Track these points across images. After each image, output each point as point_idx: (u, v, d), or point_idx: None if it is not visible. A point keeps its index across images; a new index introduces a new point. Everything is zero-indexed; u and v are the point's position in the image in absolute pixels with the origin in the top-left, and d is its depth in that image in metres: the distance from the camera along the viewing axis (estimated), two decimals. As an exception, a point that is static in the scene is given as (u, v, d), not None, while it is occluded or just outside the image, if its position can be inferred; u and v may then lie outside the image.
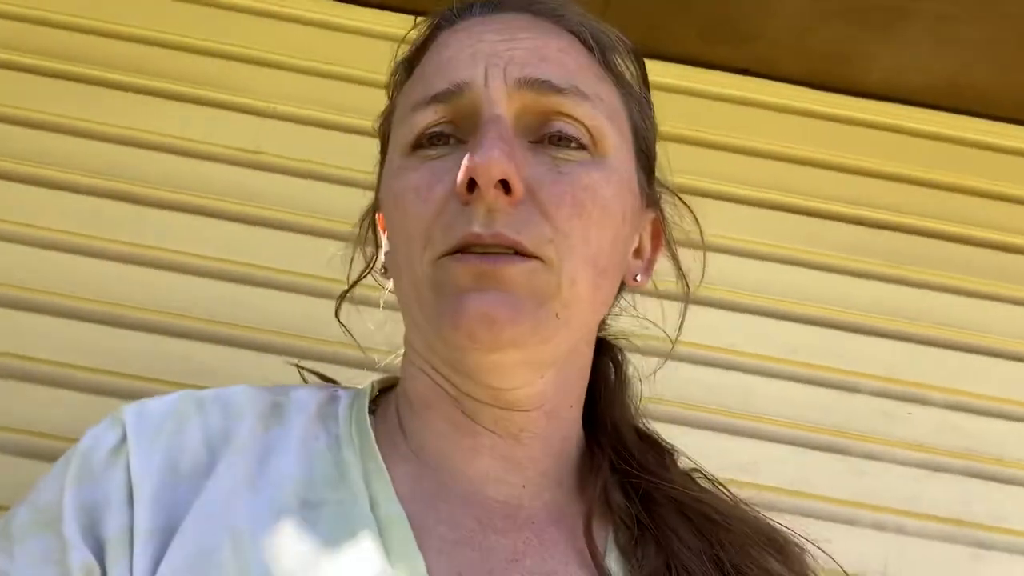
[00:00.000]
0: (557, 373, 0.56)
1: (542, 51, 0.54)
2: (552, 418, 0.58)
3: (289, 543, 0.48)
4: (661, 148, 1.26)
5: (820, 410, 1.17)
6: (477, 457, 0.56)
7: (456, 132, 0.53)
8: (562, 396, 0.58)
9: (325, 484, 0.52)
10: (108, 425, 0.54)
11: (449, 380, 0.56)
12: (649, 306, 1.18)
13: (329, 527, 0.50)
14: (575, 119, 0.54)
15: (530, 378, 0.54)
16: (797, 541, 0.64)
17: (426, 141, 0.54)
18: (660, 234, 0.69)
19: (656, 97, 1.28)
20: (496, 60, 0.52)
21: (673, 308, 1.20)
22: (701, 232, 0.74)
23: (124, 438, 0.52)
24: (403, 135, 0.56)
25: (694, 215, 0.73)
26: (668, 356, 1.16)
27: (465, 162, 0.48)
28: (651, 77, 1.28)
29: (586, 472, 0.60)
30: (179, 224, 1.14)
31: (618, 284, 0.61)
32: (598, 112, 0.55)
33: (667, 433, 1.13)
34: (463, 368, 0.53)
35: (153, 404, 0.55)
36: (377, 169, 0.66)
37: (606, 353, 0.69)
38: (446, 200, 0.50)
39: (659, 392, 1.16)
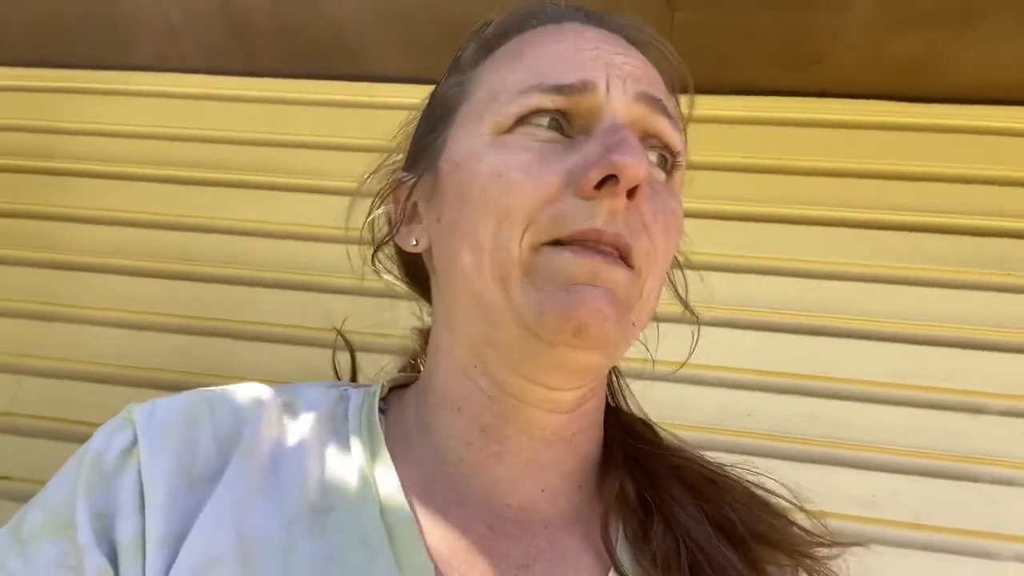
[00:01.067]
0: (601, 377, 0.58)
1: (650, 75, 0.57)
2: (583, 419, 0.57)
3: (298, 551, 0.48)
4: (749, 179, 1.26)
5: (941, 436, 1.10)
6: (499, 463, 0.55)
7: (564, 125, 0.53)
8: (595, 397, 0.59)
9: (335, 488, 0.52)
10: (118, 426, 0.53)
11: (493, 377, 0.54)
12: (739, 338, 1.16)
13: (338, 534, 0.49)
14: (667, 146, 0.56)
15: (589, 380, 0.55)
16: (779, 498, 0.63)
17: (533, 121, 0.52)
18: None
19: (734, 130, 1.29)
20: (617, 71, 0.54)
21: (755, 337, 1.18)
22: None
23: (135, 440, 0.51)
24: (505, 112, 0.53)
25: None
26: (763, 388, 1.13)
27: (610, 158, 0.48)
28: (725, 112, 1.30)
29: (605, 470, 0.59)
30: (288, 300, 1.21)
31: None
32: (682, 143, 0.58)
33: (774, 467, 1.09)
34: (537, 364, 0.51)
35: (163, 404, 0.54)
36: (415, 130, 0.64)
37: None
38: (559, 189, 0.50)
39: (769, 427, 1.13)
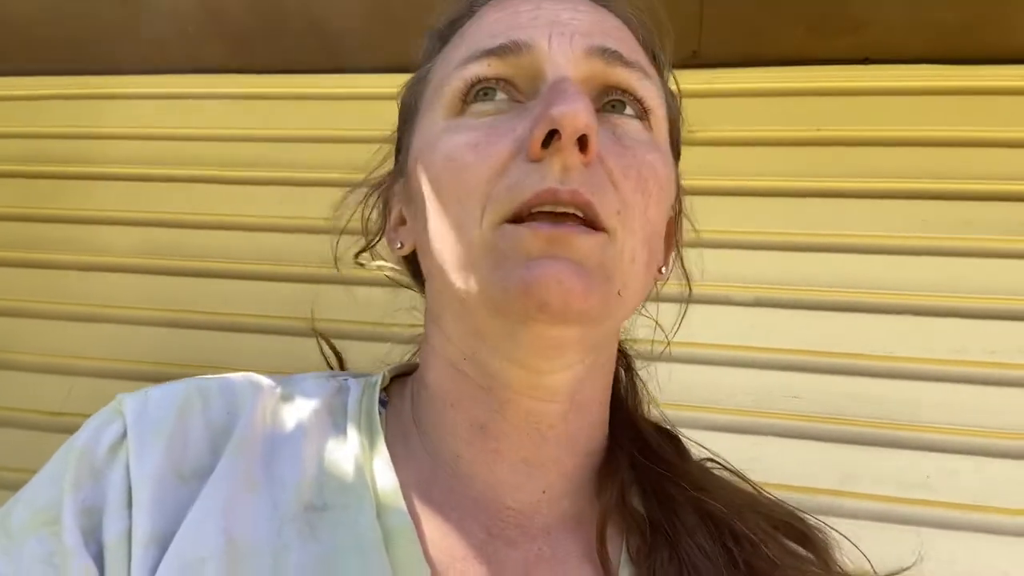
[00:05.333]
0: (594, 360, 0.54)
1: (604, 26, 0.53)
2: (581, 412, 0.55)
3: (289, 553, 0.46)
4: (792, 152, 1.22)
5: (1001, 413, 1.05)
6: (498, 462, 0.53)
7: (512, 93, 0.50)
8: (592, 387, 0.55)
9: (330, 486, 0.50)
10: (108, 418, 0.51)
11: (483, 368, 0.52)
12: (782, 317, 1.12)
13: (332, 535, 0.48)
14: (635, 96, 0.52)
15: (574, 360, 0.51)
16: (820, 527, 0.58)
17: (480, 94, 0.50)
18: (673, 233, 0.63)
19: (773, 103, 1.25)
20: (561, 28, 0.51)
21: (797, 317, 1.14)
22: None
23: (124, 434, 0.49)
24: (450, 92, 0.52)
25: (690, 221, 0.66)
26: (811, 369, 1.10)
27: (547, 112, 0.45)
28: (761, 84, 1.26)
29: (605, 475, 0.56)
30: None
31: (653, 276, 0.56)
32: (655, 92, 0.53)
33: (821, 451, 1.07)
34: (516, 343, 0.49)
35: (156, 394, 0.52)
36: (396, 139, 0.62)
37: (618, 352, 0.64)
38: (509, 158, 0.47)
39: (817, 409, 1.10)
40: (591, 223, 0.47)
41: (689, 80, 1.31)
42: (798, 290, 1.15)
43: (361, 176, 0.65)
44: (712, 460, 0.62)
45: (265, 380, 0.56)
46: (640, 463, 0.57)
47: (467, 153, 0.48)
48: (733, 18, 1.15)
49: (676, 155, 0.61)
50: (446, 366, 0.54)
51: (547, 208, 0.46)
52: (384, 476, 0.52)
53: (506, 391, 0.52)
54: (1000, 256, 1.12)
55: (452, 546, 0.50)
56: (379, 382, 0.59)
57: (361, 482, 0.51)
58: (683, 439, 0.62)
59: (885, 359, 1.10)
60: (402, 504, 0.50)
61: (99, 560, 0.46)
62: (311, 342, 0.77)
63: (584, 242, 0.46)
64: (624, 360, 0.64)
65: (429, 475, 0.53)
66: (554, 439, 0.54)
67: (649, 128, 0.53)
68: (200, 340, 1.24)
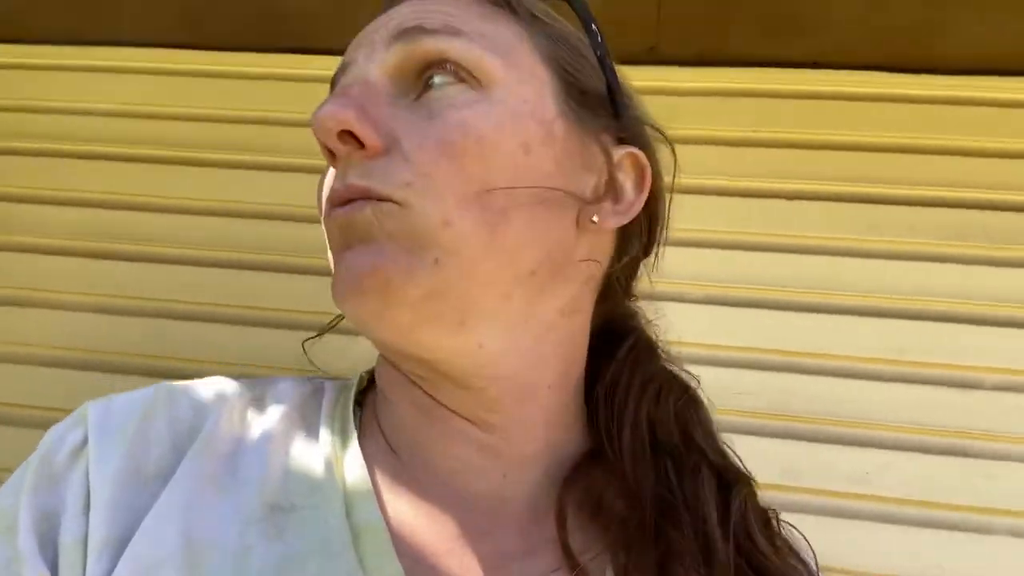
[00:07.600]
0: (510, 343, 0.51)
1: (425, 6, 0.52)
2: (526, 400, 0.52)
3: (252, 554, 0.45)
4: (739, 153, 1.24)
5: (936, 411, 1.09)
6: (450, 444, 0.52)
7: None
8: (530, 373, 0.53)
9: (298, 487, 0.50)
10: (71, 424, 0.51)
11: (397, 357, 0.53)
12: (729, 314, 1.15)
13: (297, 536, 0.47)
14: (447, 59, 0.50)
15: (451, 342, 0.49)
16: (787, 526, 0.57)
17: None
18: (645, 176, 0.57)
19: (723, 103, 1.27)
20: (372, 34, 0.52)
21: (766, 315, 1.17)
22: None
23: (86, 440, 0.49)
24: None
25: (674, 153, 0.60)
26: (754, 366, 1.13)
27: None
28: (715, 84, 1.28)
29: (580, 467, 0.54)
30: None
31: (566, 225, 0.52)
32: (475, 45, 0.51)
33: (765, 446, 1.09)
34: (375, 340, 0.51)
35: (120, 400, 0.52)
36: None
37: (621, 338, 0.60)
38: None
39: (759, 406, 1.13)
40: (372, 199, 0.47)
41: (646, 76, 1.32)
42: (747, 288, 1.17)
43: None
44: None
45: (237, 383, 0.56)
46: (623, 458, 0.54)
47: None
48: (690, 16, 1.17)
49: (577, 94, 0.55)
50: (381, 361, 0.55)
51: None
52: (355, 475, 0.51)
53: (424, 381, 0.52)
54: (941, 260, 1.16)
55: (424, 542, 0.49)
56: (355, 384, 0.58)
57: (330, 482, 0.50)
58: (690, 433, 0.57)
59: (827, 357, 1.13)
60: (373, 503, 0.49)
61: (54, 567, 0.45)
62: (281, 332, 0.75)
63: (360, 215, 0.46)
64: (620, 344, 0.60)
65: (396, 469, 0.52)
66: (501, 425, 0.53)
67: (479, 84, 0.50)
68: (136, 328, 1.21)
